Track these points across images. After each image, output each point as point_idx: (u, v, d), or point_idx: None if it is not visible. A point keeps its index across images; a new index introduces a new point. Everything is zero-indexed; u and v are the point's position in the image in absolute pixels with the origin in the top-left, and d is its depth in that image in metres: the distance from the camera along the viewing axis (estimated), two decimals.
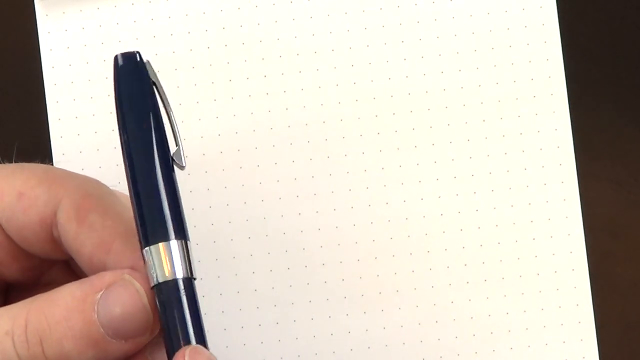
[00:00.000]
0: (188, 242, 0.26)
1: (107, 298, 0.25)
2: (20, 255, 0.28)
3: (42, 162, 0.39)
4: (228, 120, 0.40)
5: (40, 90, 0.40)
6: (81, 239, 0.27)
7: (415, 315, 0.39)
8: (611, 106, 0.41)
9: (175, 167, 0.27)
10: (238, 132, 0.40)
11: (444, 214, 0.40)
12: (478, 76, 0.40)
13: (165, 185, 0.26)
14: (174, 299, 0.25)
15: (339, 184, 0.40)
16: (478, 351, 0.39)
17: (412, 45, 0.40)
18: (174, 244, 0.26)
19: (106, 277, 0.26)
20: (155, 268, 0.26)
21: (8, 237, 0.28)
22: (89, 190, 0.28)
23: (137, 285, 0.26)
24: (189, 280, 0.26)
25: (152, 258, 0.26)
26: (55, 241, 0.28)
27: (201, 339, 0.25)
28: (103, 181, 0.37)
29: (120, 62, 0.28)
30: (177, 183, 0.27)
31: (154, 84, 0.28)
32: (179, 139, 0.27)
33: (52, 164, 0.39)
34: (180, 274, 0.26)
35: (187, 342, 0.25)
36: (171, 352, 0.25)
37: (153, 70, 0.28)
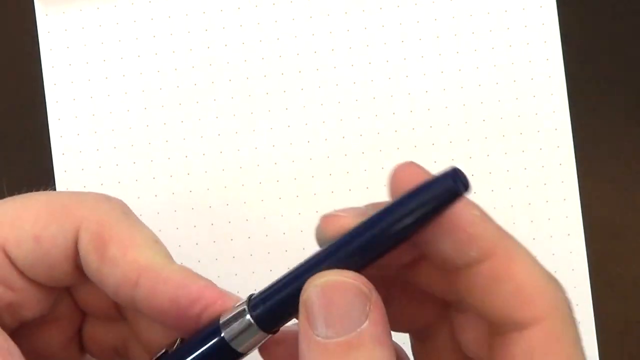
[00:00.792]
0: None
1: None
2: (41, 292, 0.28)
3: (42, 161, 0.39)
4: (228, 119, 0.40)
5: (40, 90, 0.40)
6: (105, 274, 0.26)
7: None
8: (611, 106, 0.41)
9: None
10: (238, 131, 0.40)
11: None
12: (478, 76, 0.40)
13: None
14: (217, 350, 0.25)
15: (339, 184, 0.40)
16: None
17: (412, 45, 0.40)
18: (266, 336, 0.25)
19: None
20: (232, 327, 0.25)
21: (30, 281, 0.27)
22: (104, 216, 0.27)
23: None
24: (240, 355, 0.26)
25: (241, 327, 0.25)
26: (80, 267, 0.27)
27: None
28: (103, 181, 0.37)
29: (458, 188, 0.24)
30: None
31: None
32: None
33: (52, 164, 0.39)
34: (240, 349, 0.25)
35: None
36: None
37: None
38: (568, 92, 0.40)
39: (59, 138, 0.39)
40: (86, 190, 0.39)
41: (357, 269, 0.24)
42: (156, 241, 0.27)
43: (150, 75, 0.40)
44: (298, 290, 0.24)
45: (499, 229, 0.25)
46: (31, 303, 0.28)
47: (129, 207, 0.28)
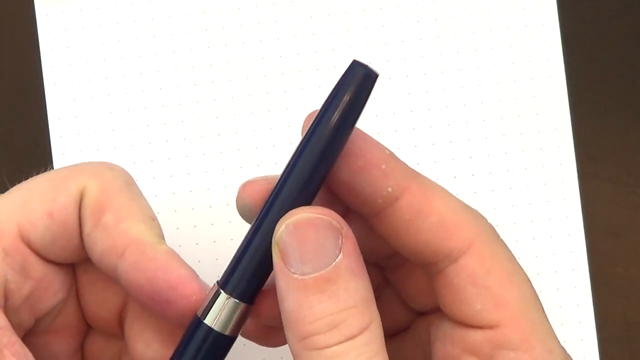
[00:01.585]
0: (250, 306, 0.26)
1: None
2: (58, 278, 0.28)
3: (42, 161, 0.39)
4: (228, 119, 0.40)
5: (40, 90, 0.40)
6: (94, 238, 0.27)
7: None
8: (611, 106, 0.41)
9: None
10: (238, 131, 0.40)
11: None
12: (478, 76, 0.40)
13: None
14: (206, 343, 0.25)
15: None
16: None
17: (412, 45, 0.40)
18: (246, 307, 0.26)
19: None
20: (212, 311, 0.25)
21: (48, 264, 0.28)
22: (106, 184, 0.27)
23: None
24: (230, 340, 0.26)
25: (218, 308, 0.25)
26: None
27: None
28: None
29: (361, 72, 0.25)
30: None
31: None
32: None
33: (53, 164, 0.39)
34: (227, 332, 0.26)
35: None
36: None
37: None
38: (568, 92, 0.40)
39: (59, 138, 0.39)
40: None
41: (311, 197, 0.24)
42: (152, 218, 0.28)
43: (150, 75, 0.40)
44: (259, 250, 0.25)
45: (410, 167, 0.26)
46: (48, 292, 0.28)
47: (132, 178, 0.28)
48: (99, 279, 0.29)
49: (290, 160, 0.25)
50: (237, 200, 0.27)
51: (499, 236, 0.26)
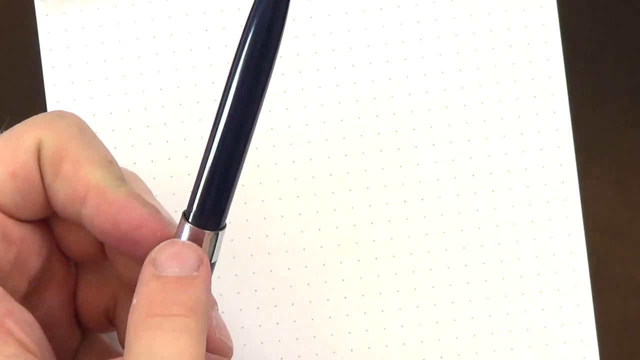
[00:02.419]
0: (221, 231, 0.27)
1: None
2: (37, 236, 0.29)
3: None
4: None
5: (40, 90, 0.39)
6: (55, 189, 0.27)
7: (416, 315, 0.39)
8: (611, 106, 0.41)
9: None
10: None
11: (444, 214, 0.40)
12: (478, 76, 0.40)
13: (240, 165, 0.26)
14: None
15: (339, 184, 0.40)
16: (478, 351, 0.39)
17: (412, 45, 0.40)
18: (219, 234, 0.27)
19: None
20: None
21: (24, 225, 0.28)
22: (60, 133, 0.28)
23: None
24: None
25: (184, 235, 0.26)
26: None
27: None
28: None
29: None
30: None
31: None
32: None
33: None
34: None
35: None
36: None
37: None
38: (568, 92, 0.40)
39: None
40: None
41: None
42: (110, 161, 0.28)
43: (150, 75, 0.40)
44: (215, 173, 0.26)
45: None
46: (32, 251, 0.28)
47: (85, 123, 0.29)
48: (73, 224, 0.29)
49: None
50: None
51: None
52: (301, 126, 0.40)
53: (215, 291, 0.39)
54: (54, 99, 0.39)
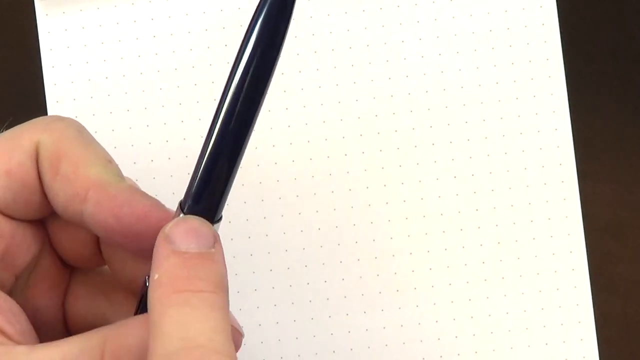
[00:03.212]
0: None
1: None
2: (28, 233, 0.29)
3: None
4: None
5: (40, 90, 0.40)
6: (56, 189, 0.27)
7: (415, 314, 0.39)
8: (611, 106, 0.41)
9: None
10: None
11: (444, 213, 0.40)
12: (478, 76, 0.40)
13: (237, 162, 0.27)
14: None
15: (339, 184, 0.40)
16: (478, 351, 0.39)
17: (412, 45, 0.40)
18: (215, 227, 0.27)
19: None
20: None
21: (15, 222, 0.28)
22: (58, 135, 0.28)
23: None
24: None
25: None
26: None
27: None
28: None
29: None
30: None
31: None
32: None
33: None
34: None
35: None
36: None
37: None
38: (568, 92, 0.40)
39: None
40: None
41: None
42: (109, 160, 0.28)
43: (150, 75, 0.40)
44: (212, 164, 0.26)
45: None
46: (21, 247, 0.28)
47: (83, 126, 0.29)
48: (68, 225, 0.29)
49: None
50: None
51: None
52: (301, 126, 0.40)
53: None
54: (54, 99, 0.39)
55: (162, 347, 0.23)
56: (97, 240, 0.30)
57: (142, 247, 0.27)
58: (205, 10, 0.40)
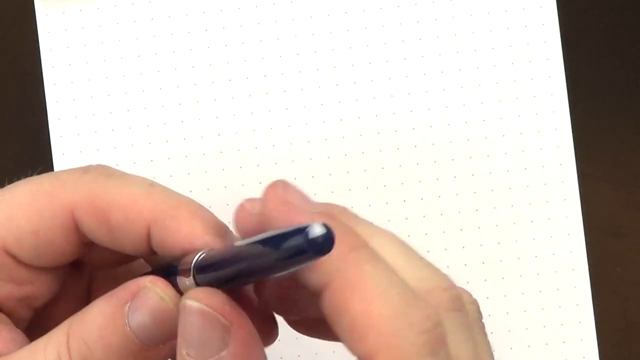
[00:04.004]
0: None
1: (135, 309, 0.25)
2: (49, 277, 0.28)
3: (42, 161, 0.39)
4: (228, 119, 0.40)
5: (40, 90, 0.40)
6: (117, 240, 0.27)
7: None
8: (611, 106, 0.41)
9: None
10: (238, 131, 0.40)
11: (444, 213, 0.40)
12: (478, 76, 0.40)
13: None
14: None
15: (338, 183, 0.40)
16: None
17: (412, 45, 0.40)
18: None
19: (130, 287, 0.25)
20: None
21: (37, 269, 0.27)
22: (91, 190, 0.27)
23: (159, 291, 0.25)
24: None
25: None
26: (84, 240, 0.27)
27: None
28: None
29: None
30: None
31: None
32: None
33: (53, 164, 0.39)
34: None
35: None
36: None
37: None
38: (568, 92, 0.40)
39: (59, 138, 0.39)
40: None
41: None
42: (151, 185, 0.27)
43: (150, 75, 0.40)
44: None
45: (348, 252, 0.23)
46: (41, 291, 0.28)
47: (107, 167, 0.28)
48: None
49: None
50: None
51: (431, 343, 0.23)
52: (301, 126, 0.40)
53: None
54: (53, 99, 0.39)
55: None
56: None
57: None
58: (205, 11, 0.40)
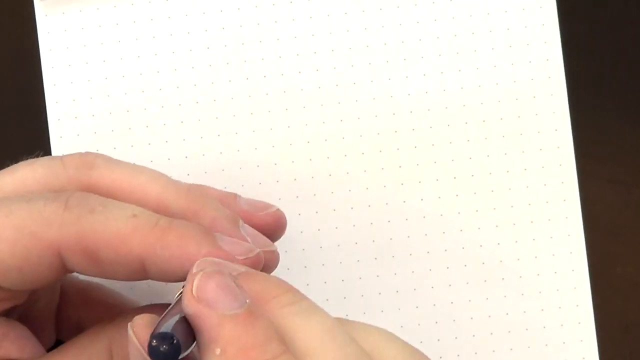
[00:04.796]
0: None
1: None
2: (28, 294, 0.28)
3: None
4: (228, 120, 0.40)
5: (40, 91, 0.40)
6: (110, 273, 0.27)
7: (415, 316, 0.39)
8: (611, 106, 0.41)
9: None
10: (238, 132, 0.40)
11: (443, 214, 0.40)
12: (478, 76, 0.40)
13: None
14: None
15: (339, 184, 0.40)
16: (478, 352, 0.39)
17: (412, 45, 0.40)
18: None
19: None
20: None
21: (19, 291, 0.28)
22: (75, 228, 0.26)
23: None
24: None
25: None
26: (67, 266, 0.27)
27: None
28: None
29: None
30: None
31: None
32: None
33: None
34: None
35: None
36: None
37: None
38: (568, 92, 0.40)
39: (59, 138, 0.39)
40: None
41: None
42: (135, 215, 0.27)
43: (150, 75, 0.40)
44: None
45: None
46: (23, 299, 0.28)
47: (84, 195, 0.27)
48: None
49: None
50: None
51: None
52: (301, 126, 0.40)
53: None
54: (53, 99, 0.39)
55: None
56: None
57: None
58: (204, 11, 0.40)
